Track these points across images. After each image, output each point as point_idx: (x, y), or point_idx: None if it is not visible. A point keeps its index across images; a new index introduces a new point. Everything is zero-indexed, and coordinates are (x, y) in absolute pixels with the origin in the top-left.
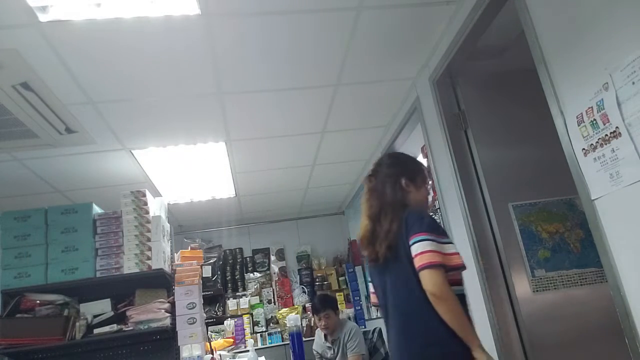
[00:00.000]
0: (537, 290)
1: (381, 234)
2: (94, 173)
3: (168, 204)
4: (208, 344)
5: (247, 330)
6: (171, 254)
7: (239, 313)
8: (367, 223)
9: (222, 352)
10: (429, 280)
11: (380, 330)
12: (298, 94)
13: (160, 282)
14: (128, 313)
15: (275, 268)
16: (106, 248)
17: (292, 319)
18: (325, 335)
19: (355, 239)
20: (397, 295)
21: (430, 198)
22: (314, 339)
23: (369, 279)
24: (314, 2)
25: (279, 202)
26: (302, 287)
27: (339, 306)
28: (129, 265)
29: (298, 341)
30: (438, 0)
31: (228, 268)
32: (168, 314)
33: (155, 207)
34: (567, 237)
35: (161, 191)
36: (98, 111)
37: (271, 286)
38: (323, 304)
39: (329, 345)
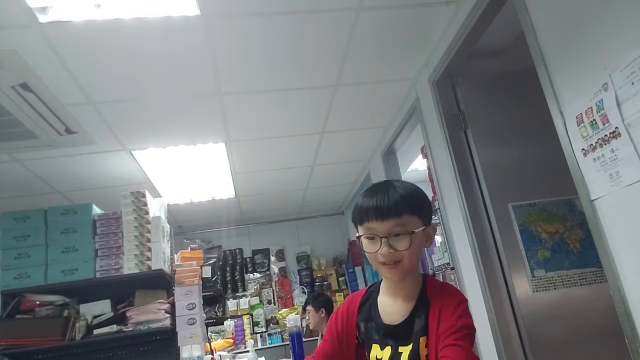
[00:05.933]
0: (537, 290)
1: None
2: (93, 174)
3: (168, 204)
4: (208, 344)
5: (247, 331)
6: (171, 255)
7: (239, 313)
8: None
9: (222, 353)
10: None
11: None
12: (298, 94)
13: (160, 283)
14: (128, 314)
15: (275, 268)
16: (106, 249)
17: (292, 319)
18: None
19: (355, 239)
20: None
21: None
22: (316, 339)
23: None
24: (314, 2)
25: (278, 202)
26: (302, 288)
27: (326, 306)
28: (129, 266)
29: (298, 342)
30: (438, 1)
31: (228, 268)
32: (168, 315)
33: (155, 208)
34: (567, 237)
35: (161, 192)
36: (98, 112)
37: (271, 287)
38: (306, 300)
39: None
